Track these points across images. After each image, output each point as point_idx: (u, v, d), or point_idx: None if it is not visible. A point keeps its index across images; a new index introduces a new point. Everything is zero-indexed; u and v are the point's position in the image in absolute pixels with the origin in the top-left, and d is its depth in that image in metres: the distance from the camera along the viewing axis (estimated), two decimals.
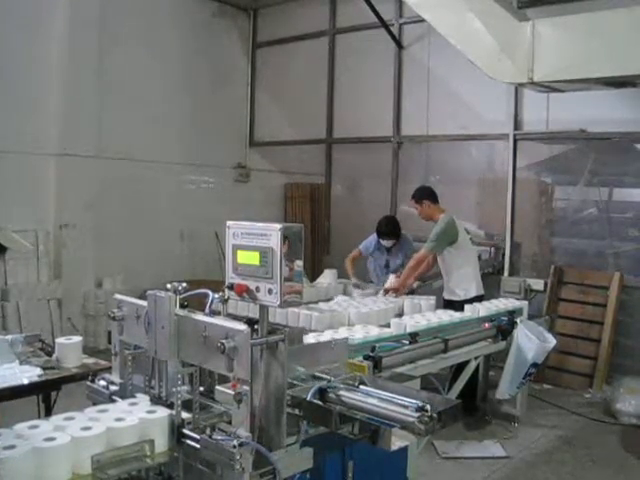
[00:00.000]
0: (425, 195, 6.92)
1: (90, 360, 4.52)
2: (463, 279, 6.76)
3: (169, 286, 2.96)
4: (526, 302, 6.54)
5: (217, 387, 2.71)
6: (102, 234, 9.08)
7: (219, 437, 2.59)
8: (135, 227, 9.41)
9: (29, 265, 8.29)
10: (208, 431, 2.66)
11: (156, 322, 2.84)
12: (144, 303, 2.97)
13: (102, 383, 3.25)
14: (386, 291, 6.53)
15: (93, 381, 3.31)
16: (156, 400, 2.92)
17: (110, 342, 3.93)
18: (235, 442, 2.51)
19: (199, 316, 2.89)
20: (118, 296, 3.21)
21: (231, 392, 2.62)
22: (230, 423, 2.71)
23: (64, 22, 8.75)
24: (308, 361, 3.04)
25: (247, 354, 2.59)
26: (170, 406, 2.79)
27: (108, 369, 4.34)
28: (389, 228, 7.49)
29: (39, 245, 8.40)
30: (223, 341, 2.61)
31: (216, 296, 3.05)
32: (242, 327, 2.65)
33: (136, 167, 9.48)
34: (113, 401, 3.08)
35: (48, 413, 4.36)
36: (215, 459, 2.59)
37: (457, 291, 6.74)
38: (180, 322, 2.85)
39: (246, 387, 2.61)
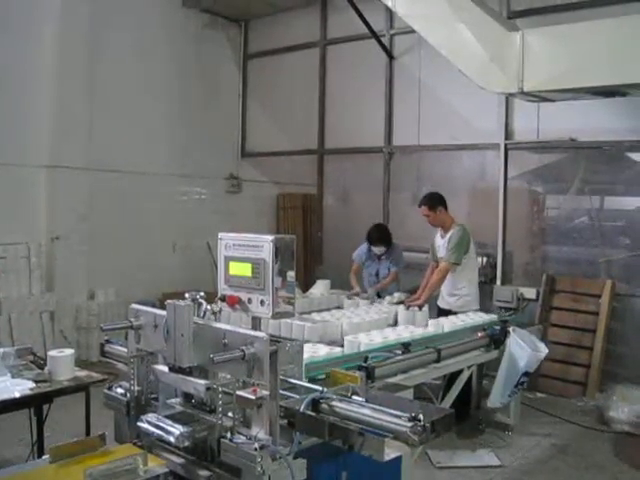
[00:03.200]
0: (439, 202, 6.90)
1: (82, 373, 4.52)
2: (468, 290, 6.79)
3: (187, 295, 3.01)
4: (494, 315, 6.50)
5: (238, 392, 2.74)
6: (94, 246, 9.06)
7: (239, 440, 2.65)
8: (127, 239, 9.39)
9: (21, 278, 8.26)
10: (228, 435, 2.72)
11: (175, 330, 2.87)
12: (162, 312, 3.00)
13: (119, 391, 3.29)
14: (408, 305, 6.35)
15: (110, 388, 3.34)
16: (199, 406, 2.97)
17: (103, 355, 3.93)
18: (256, 445, 2.58)
19: (218, 324, 2.95)
20: (135, 305, 3.26)
21: (252, 397, 2.65)
22: (231, 432, 2.74)
23: (54, 34, 8.76)
24: None
25: (267, 360, 2.65)
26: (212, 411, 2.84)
27: (101, 381, 4.35)
28: (379, 235, 7.54)
29: (31, 257, 8.36)
30: (243, 348, 2.67)
31: (208, 307, 3.06)
32: (261, 334, 2.72)
33: (128, 178, 9.47)
34: (129, 409, 3.19)
35: (40, 426, 4.36)
36: (236, 462, 2.65)
37: (457, 302, 6.76)
38: (199, 330, 2.88)
39: (266, 392, 2.66)
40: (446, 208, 6.93)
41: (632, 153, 8.07)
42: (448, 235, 6.76)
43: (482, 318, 6.10)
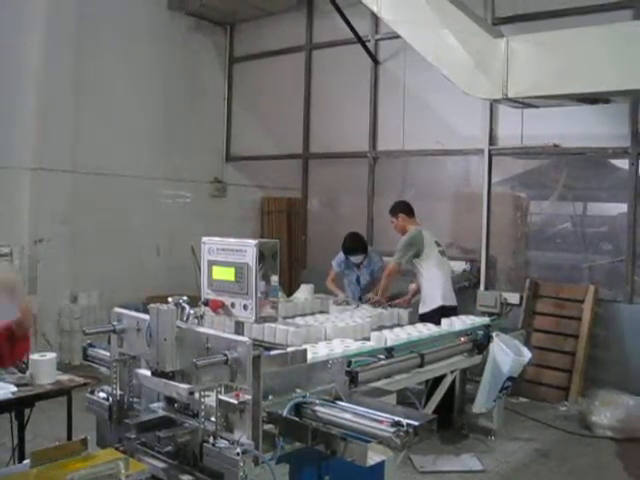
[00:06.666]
0: (400, 209, 7.19)
1: (64, 377, 4.49)
2: (430, 291, 6.90)
3: (170, 299, 3.00)
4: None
5: (220, 397, 2.74)
6: (77, 249, 9.01)
7: (222, 445, 2.64)
8: (111, 242, 9.36)
9: None
10: (211, 439, 2.71)
11: (158, 334, 2.86)
12: (145, 316, 2.99)
13: (102, 395, 3.27)
14: (372, 303, 6.85)
15: (92, 393, 3.33)
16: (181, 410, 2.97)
17: (85, 358, 3.91)
18: (239, 450, 2.56)
19: (201, 328, 2.93)
20: (117, 309, 3.24)
21: (234, 401, 2.64)
22: (213, 436, 2.73)
23: (40, 37, 8.73)
24: (304, 382, 3.08)
25: (249, 364, 2.63)
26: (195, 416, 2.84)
27: (83, 385, 4.32)
28: (354, 244, 7.55)
29: (14, 260, 8.31)
30: (226, 352, 2.65)
31: (192, 312, 3.05)
32: (244, 339, 2.70)
33: (112, 182, 9.43)
34: (112, 414, 3.15)
35: (21, 430, 4.33)
36: (218, 467, 2.63)
37: (426, 303, 6.87)
38: (182, 334, 2.87)
39: (248, 396, 2.65)
40: (409, 215, 7.16)
41: (615, 159, 8.14)
42: None
43: (472, 321, 6.13)
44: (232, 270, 3.00)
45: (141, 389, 3.15)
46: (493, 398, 5.87)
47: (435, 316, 6.24)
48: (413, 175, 9.77)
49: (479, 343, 5.63)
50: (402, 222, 7.10)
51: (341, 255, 7.64)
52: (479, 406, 5.87)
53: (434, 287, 6.89)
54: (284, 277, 9.87)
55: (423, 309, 6.85)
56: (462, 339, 5.55)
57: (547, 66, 6.49)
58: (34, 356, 4.36)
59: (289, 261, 10.96)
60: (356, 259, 7.54)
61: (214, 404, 2.77)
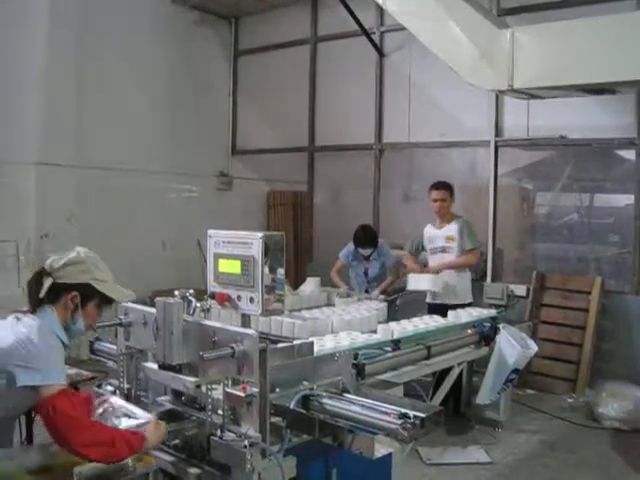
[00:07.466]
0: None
1: (72, 371, 4.49)
2: (465, 285, 7.00)
3: (177, 293, 3.00)
4: None
5: (227, 390, 2.74)
6: (83, 244, 8.91)
7: (229, 438, 2.65)
8: (117, 236, 9.33)
9: (10, 276, 8.21)
10: (218, 432, 2.72)
11: (165, 328, 2.86)
12: (151, 310, 3.00)
13: (109, 388, 3.29)
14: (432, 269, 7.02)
15: (100, 386, 3.34)
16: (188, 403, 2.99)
17: (93, 352, 3.92)
18: (246, 442, 2.57)
19: (208, 321, 2.94)
20: (124, 303, 3.25)
21: (242, 394, 2.64)
22: (220, 429, 2.73)
23: (44, 30, 8.71)
24: (311, 375, 3.09)
25: (256, 357, 2.64)
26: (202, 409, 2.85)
27: (91, 379, 4.33)
28: (366, 237, 7.51)
29: (20, 255, 8.31)
30: (233, 345, 2.66)
31: (198, 305, 3.05)
32: (251, 331, 2.71)
33: (117, 176, 9.42)
34: None
35: (29, 425, 4.34)
36: (225, 460, 2.65)
37: (459, 296, 6.89)
38: (188, 327, 2.87)
39: (255, 389, 2.65)
40: None
41: (621, 150, 8.12)
42: (452, 226, 7.03)
43: (479, 313, 6.13)
44: (238, 263, 3.00)
45: (148, 382, 3.16)
46: (497, 390, 5.85)
47: None
48: (419, 167, 9.74)
49: (486, 335, 5.62)
50: (451, 205, 7.18)
51: (350, 246, 7.62)
52: (483, 397, 5.86)
53: (468, 281, 7.04)
54: (290, 270, 9.87)
55: (456, 300, 6.81)
56: (469, 331, 5.55)
57: (552, 57, 6.46)
58: None
59: (295, 254, 10.95)
60: (365, 252, 7.52)
61: (221, 397, 2.78)
